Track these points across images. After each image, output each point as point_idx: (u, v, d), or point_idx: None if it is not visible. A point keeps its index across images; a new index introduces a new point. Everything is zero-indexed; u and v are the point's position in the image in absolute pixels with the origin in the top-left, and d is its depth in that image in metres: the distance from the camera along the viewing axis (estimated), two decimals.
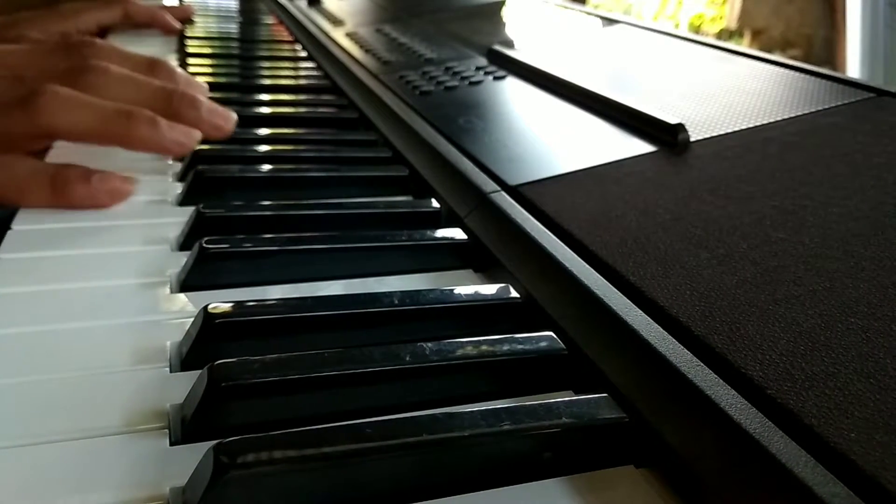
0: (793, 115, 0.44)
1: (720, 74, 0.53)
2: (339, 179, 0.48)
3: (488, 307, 0.33)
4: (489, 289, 0.34)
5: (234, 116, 0.52)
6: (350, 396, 0.27)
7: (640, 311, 0.29)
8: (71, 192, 0.42)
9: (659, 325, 0.28)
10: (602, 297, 0.30)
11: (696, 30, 2.57)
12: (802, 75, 0.50)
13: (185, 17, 0.98)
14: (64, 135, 0.44)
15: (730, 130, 0.44)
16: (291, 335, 0.30)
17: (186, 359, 0.29)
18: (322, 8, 1.02)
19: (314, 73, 0.77)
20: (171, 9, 0.98)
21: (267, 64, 0.79)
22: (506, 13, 0.86)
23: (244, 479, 0.21)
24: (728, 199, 0.36)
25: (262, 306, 0.31)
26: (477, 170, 0.44)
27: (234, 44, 0.90)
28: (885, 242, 0.31)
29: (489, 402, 0.27)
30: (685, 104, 0.48)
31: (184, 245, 0.39)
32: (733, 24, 2.48)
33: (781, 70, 0.52)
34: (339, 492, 0.23)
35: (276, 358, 0.27)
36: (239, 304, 0.31)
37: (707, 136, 0.43)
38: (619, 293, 0.30)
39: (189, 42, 0.87)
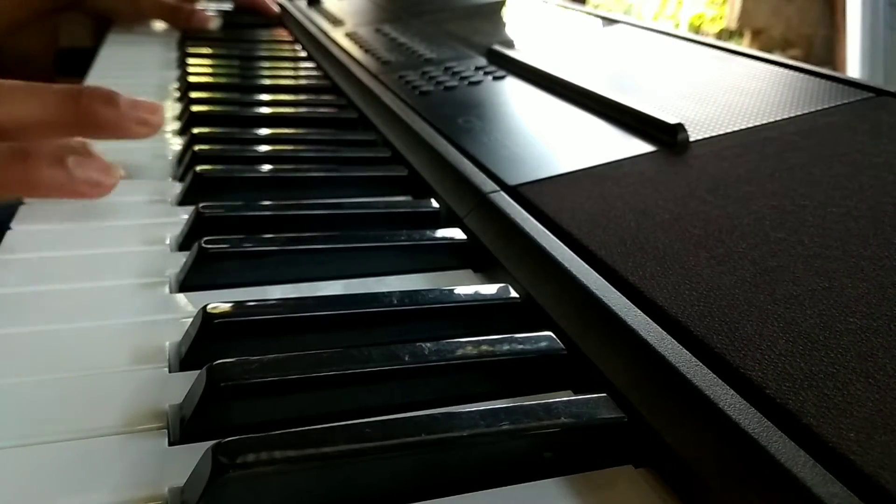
0: (793, 115, 0.44)
1: (720, 74, 0.53)
2: (339, 179, 0.48)
3: (488, 307, 0.33)
4: (489, 289, 0.34)
5: (161, 107, 0.44)
6: (349, 396, 0.27)
7: (639, 311, 0.29)
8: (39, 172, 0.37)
9: (658, 324, 0.28)
10: (601, 297, 0.30)
11: (696, 30, 2.57)
12: (802, 75, 0.50)
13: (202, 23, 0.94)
14: None
15: (729, 130, 0.44)
16: (291, 335, 0.30)
17: (185, 359, 0.29)
18: (322, 8, 1.02)
19: (314, 73, 0.77)
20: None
21: (267, 64, 0.79)
22: (506, 13, 0.86)
23: (243, 480, 0.21)
24: (727, 199, 0.36)
25: (262, 306, 0.31)
26: (476, 170, 0.44)
27: (234, 44, 0.90)
28: (885, 242, 0.31)
29: (488, 402, 0.27)
30: (685, 104, 0.48)
31: (183, 245, 0.39)
32: (733, 24, 2.48)
33: (781, 70, 0.52)
34: (339, 492, 0.23)
35: (276, 358, 0.27)
36: (238, 304, 0.31)
37: (706, 136, 0.43)
38: (618, 293, 0.30)
39: (189, 42, 0.87)
